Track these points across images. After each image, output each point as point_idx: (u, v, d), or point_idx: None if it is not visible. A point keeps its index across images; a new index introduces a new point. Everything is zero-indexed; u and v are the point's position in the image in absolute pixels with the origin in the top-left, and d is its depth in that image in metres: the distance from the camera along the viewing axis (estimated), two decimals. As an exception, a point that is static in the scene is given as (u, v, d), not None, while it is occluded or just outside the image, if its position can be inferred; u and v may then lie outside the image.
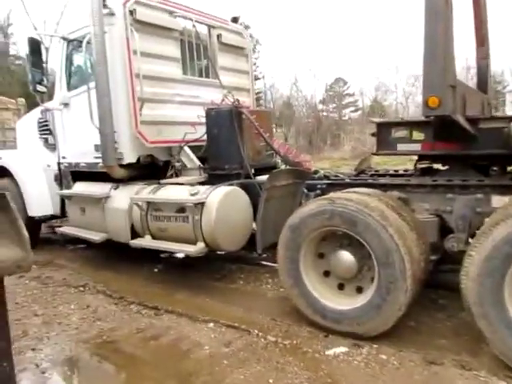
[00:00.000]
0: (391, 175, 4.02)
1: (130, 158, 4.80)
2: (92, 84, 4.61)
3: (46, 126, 5.75)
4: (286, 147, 4.90)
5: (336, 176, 3.96)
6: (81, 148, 5.23)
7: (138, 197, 4.56)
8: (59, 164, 5.66)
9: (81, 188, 5.34)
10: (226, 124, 4.59)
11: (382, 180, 3.74)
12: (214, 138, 4.69)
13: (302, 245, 3.23)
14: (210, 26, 5.42)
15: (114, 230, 4.90)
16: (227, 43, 5.60)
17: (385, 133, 3.59)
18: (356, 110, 42.14)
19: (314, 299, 3.24)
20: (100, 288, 4.44)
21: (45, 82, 5.04)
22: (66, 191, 5.45)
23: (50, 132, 5.69)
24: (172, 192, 4.43)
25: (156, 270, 5.07)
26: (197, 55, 5.30)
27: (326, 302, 3.22)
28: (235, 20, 5.78)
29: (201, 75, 5.48)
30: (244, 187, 4.40)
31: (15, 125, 14.56)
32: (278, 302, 3.88)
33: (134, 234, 4.74)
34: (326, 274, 3.34)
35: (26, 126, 6.42)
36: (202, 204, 4.03)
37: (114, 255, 5.45)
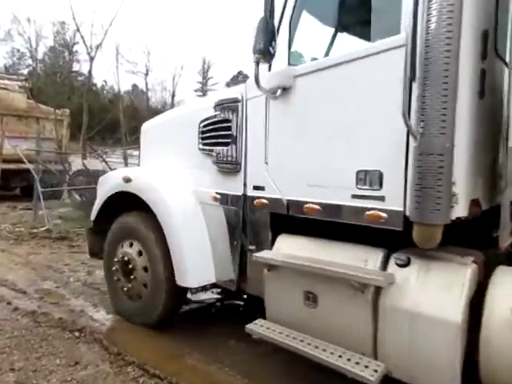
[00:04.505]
0: None
1: (463, 205, 2.18)
2: (398, 39, 2.11)
3: (223, 129, 3.27)
4: None
5: None
6: (314, 174, 2.67)
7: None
8: (245, 198, 3.13)
9: (298, 250, 2.72)
10: None
11: None
12: None
13: None
14: None
15: (406, 362, 2.22)
16: None
17: None
18: None
19: None
20: (98, 336, 3.60)
21: (275, 42, 2.58)
22: (266, 255, 2.83)
23: (232, 140, 3.19)
24: None
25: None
26: None
27: None
28: None
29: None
30: None
31: (53, 135, 13.29)
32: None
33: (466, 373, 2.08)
34: None
35: (166, 129, 4.01)
36: None
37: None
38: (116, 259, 3.78)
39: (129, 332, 3.74)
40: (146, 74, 48.40)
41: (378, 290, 2.33)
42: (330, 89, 2.54)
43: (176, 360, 3.25)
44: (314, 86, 2.65)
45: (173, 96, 52.67)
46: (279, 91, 2.78)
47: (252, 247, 3.11)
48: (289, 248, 2.80)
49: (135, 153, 15.58)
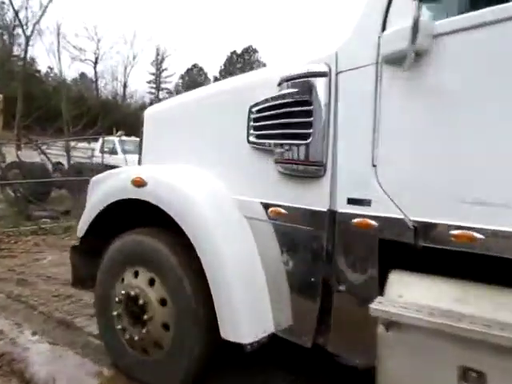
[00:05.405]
0: None
1: None
2: None
3: (295, 115, 2.23)
4: None
5: None
6: (473, 185, 1.72)
7: None
8: (332, 215, 2.13)
9: (441, 300, 1.79)
10: None
11: None
12: None
13: None
14: None
15: None
16: None
17: None
18: None
19: None
20: (17, 366, 2.89)
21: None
22: (393, 309, 1.82)
23: (312, 131, 2.16)
24: None
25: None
26: None
27: None
28: None
29: None
30: None
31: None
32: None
33: None
34: None
35: (189, 116, 2.91)
36: None
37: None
38: (117, 299, 2.63)
39: (59, 360, 3.05)
40: (96, 63, 45.59)
41: None
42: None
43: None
44: (479, 47, 1.71)
45: (124, 86, 50.27)
46: (413, 55, 1.82)
47: (342, 287, 2.14)
48: (420, 295, 1.84)
49: (80, 145, 13.94)
